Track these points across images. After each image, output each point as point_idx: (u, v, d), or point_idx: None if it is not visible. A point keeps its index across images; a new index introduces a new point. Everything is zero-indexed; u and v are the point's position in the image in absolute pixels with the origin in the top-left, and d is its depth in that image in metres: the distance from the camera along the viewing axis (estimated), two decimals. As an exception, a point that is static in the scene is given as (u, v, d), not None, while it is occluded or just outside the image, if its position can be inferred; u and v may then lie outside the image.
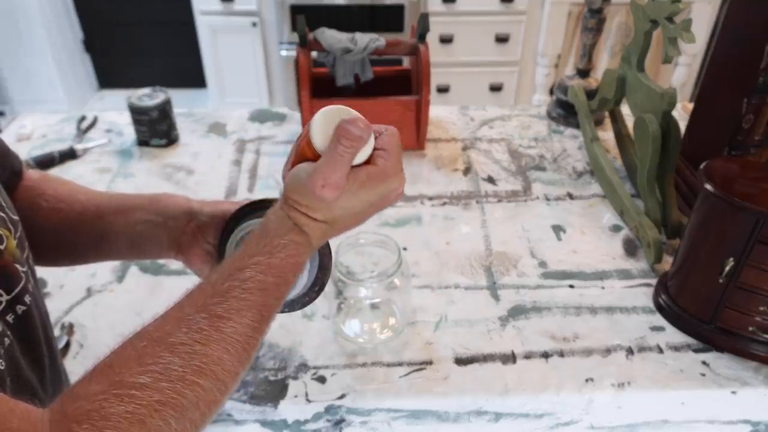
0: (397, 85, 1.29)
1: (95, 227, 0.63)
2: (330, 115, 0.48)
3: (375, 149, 0.49)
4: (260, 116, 1.38)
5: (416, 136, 1.25)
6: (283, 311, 0.59)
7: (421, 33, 1.20)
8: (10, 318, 0.50)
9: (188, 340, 0.40)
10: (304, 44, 1.20)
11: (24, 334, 0.52)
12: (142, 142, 1.27)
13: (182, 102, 1.53)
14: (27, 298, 0.53)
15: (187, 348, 0.40)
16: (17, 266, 0.52)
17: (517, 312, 0.86)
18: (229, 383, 0.42)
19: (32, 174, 0.66)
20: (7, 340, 0.48)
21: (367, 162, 0.49)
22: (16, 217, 0.55)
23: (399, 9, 2.58)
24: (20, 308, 0.52)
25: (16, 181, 0.63)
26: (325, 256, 0.58)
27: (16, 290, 0.51)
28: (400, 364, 0.78)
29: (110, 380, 0.38)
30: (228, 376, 0.42)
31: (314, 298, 0.59)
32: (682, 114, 1.37)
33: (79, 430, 0.35)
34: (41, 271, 0.91)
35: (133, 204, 0.64)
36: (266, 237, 0.47)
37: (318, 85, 1.26)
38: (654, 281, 0.91)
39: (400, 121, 1.23)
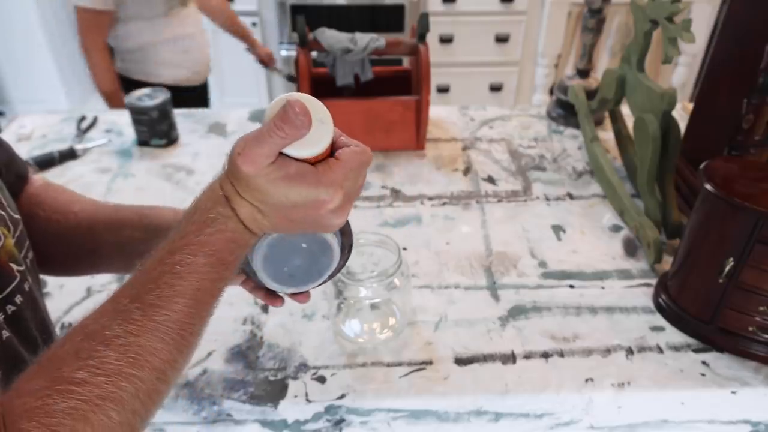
0: (397, 85, 1.29)
1: (88, 242, 0.63)
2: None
3: (332, 156, 0.46)
4: (260, 116, 1.38)
5: (416, 136, 1.25)
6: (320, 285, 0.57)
7: (421, 33, 1.20)
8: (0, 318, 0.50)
9: (122, 333, 0.40)
10: (304, 44, 1.21)
11: (16, 334, 0.51)
12: (142, 142, 1.27)
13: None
14: (18, 299, 0.52)
15: (121, 340, 0.40)
16: (12, 265, 0.52)
17: (517, 312, 0.86)
18: (169, 372, 0.42)
19: (36, 181, 0.66)
20: (5, 333, 0.48)
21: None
22: (17, 216, 0.55)
23: (399, 9, 2.58)
24: (10, 308, 0.51)
25: (22, 185, 0.63)
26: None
27: (7, 290, 0.51)
28: (400, 364, 0.78)
29: (51, 375, 0.38)
30: (166, 365, 0.41)
31: (346, 262, 0.57)
32: (682, 114, 1.37)
33: (28, 427, 0.35)
34: (41, 271, 0.91)
35: (123, 219, 0.63)
36: (196, 212, 0.46)
37: (318, 85, 1.26)
38: (654, 281, 0.91)
39: (400, 121, 1.23)
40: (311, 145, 0.45)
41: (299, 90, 1.17)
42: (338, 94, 1.26)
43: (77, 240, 0.64)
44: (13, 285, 0.52)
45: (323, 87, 1.27)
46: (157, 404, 0.42)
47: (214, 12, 1.91)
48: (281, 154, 0.44)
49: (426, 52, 1.20)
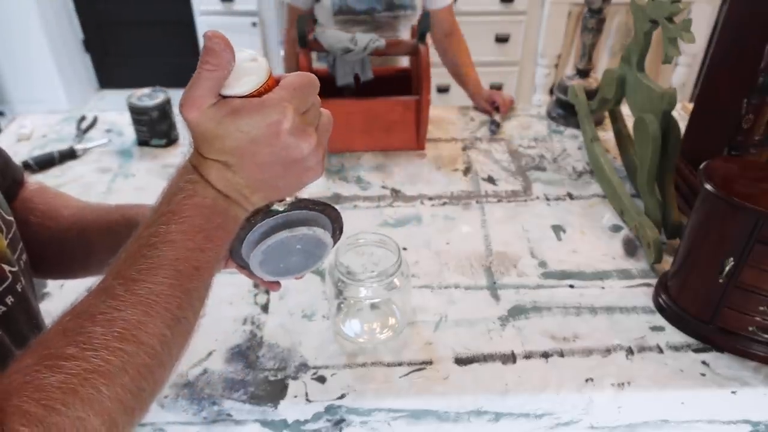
0: (397, 85, 1.29)
1: (79, 245, 0.63)
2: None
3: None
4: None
5: (416, 136, 1.25)
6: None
7: (422, 33, 1.20)
8: None
9: (107, 308, 0.40)
10: (304, 45, 1.20)
11: (6, 333, 0.51)
12: (142, 142, 1.27)
13: (182, 102, 1.54)
14: (9, 299, 0.52)
15: (106, 316, 0.40)
16: (4, 266, 0.51)
17: (517, 312, 0.86)
18: (159, 347, 0.41)
19: (31, 185, 0.66)
20: None
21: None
22: (10, 218, 0.55)
23: (399, 9, 2.57)
24: (0, 309, 0.51)
25: (17, 189, 0.64)
26: (327, 209, 0.57)
27: None
28: (400, 364, 0.78)
29: (40, 353, 0.38)
30: (154, 339, 0.41)
31: (338, 241, 0.59)
32: (682, 114, 1.37)
33: (18, 402, 0.35)
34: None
35: (112, 222, 0.63)
36: (169, 187, 0.46)
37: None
38: (654, 281, 0.91)
39: (401, 121, 1.22)
40: (247, 77, 0.44)
41: None
42: (338, 94, 1.26)
43: (69, 244, 0.64)
44: (4, 286, 0.51)
45: (323, 86, 1.26)
46: (151, 382, 0.41)
47: (444, 52, 1.64)
48: (224, 98, 0.44)
49: (426, 52, 1.19)
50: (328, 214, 0.57)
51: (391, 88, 1.27)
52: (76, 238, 0.64)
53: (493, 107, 1.41)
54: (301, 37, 1.20)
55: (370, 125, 1.23)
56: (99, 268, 0.65)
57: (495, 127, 1.33)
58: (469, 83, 1.56)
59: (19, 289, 0.54)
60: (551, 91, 2.54)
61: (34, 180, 0.68)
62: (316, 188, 1.14)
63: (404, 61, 1.64)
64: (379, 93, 1.24)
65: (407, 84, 1.31)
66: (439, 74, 1.81)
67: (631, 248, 0.99)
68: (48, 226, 0.64)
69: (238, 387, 0.75)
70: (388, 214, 1.08)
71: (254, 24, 2.70)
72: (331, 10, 1.49)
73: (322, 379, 0.76)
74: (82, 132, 1.31)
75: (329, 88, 1.26)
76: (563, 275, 0.93)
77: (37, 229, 0.63)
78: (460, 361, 0.79)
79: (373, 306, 0.85)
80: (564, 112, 1.37)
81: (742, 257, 0.74)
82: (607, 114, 1.28)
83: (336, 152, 1.25)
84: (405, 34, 1.57)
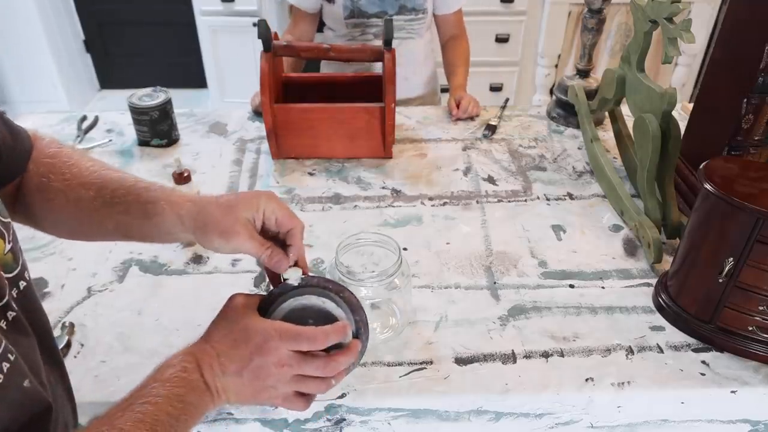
0: (373, 89, 1.24)
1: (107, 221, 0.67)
2: None
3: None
4: (261, 116, 1.38)
5: (382, 144, 1.22)
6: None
7: (387, 39, 1.15)
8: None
9: None
10: (268, 49, 1.16)
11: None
12: (143, 142, 1.27)
13: (183, 102, 1.53)
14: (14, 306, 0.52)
15: None
16: (5, 274, 0.51)
17: (517, 312, 0.87)
18: None
19: (42, 153, 0.67)
20: (11, 356, 0.48)
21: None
22: (7, 220, 0.54)
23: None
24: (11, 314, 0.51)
25: (26, 162, 0.66)
26: (352, 304, 0.67)
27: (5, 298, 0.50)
28: (400, 364, 0.78)
29: None
30: None
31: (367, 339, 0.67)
32: (682, 114, 1.37)
33: None
34: (42, 271, 0.92)
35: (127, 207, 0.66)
36: (163, 365, 0.57)
37: (288, 89, 1.24)
38: (654, 281, 0.91)
39: (366, 128, 1.19)
40: None
41: (261, 95, 1.14)
42: (306, 99, 1.21)
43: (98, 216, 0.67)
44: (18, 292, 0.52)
45: (292, 91, 1.24)
46: None
47: (445, 52, 1.69)
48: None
49: (391, 58, 1.14)
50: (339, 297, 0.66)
51: (367, 92, 1.22)
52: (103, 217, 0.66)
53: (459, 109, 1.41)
54: (265, 41, 1.15)
55: (335, 131, 1.19)
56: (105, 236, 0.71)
57: (488, 132, 1.33)
58: (452, 82, 1.60)
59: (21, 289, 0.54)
60: (551, 91, 2.54)
61: (44, 139, 0.69)
62: (317, 186, 1.14)
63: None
64: (357, 99, 1.20)
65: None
66: (439, 74, 1.81)
67: (631, 248, 0.99)
68: (65, 203, 0.66)
69: (239, 386, 0.75)
70: (389, 214, 1.08)
71: (255, 24, 2.70)
72: (342, 14, 1.49)
73: (322, 379, 0.76)
74: (83, 132, 1.32)
75: (299, 93, 1.24)
76: (563, 275, 0.94)
77: (63, 206, 0.66)
78: (460, 361, 0.79)
79: (374, 306, 0.85)
80: (564, 112, 1.37)
81: (742, 257, 0.74)
82: (607, 114, 1.28)
83: (301, 158, 1.23)
84: (418, 38, 1.57)
